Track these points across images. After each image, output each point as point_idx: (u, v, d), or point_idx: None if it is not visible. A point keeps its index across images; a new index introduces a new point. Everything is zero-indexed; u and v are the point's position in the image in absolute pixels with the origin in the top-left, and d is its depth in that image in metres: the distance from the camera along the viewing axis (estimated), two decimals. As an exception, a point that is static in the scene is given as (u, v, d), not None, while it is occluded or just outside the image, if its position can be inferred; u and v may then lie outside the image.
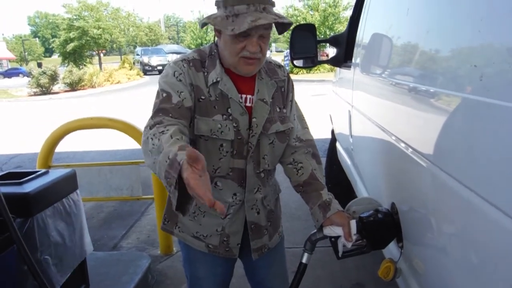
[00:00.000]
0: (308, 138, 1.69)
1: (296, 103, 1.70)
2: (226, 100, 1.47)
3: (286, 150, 1.63)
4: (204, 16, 1.47)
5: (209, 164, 1.49)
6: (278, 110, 1.57)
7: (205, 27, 1.55)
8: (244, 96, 1.50)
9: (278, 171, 1.69)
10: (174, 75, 1.45)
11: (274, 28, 1.46)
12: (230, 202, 1.56)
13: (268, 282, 1.79)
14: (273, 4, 1.40)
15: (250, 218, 1.60)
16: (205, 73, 1.48)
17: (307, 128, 1.72)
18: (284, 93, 1.61)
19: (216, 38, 1.50)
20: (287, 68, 1.83)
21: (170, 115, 1.36)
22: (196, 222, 1.61)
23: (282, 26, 1.44)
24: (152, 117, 1.37)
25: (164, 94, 1.42)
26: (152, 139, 1.24)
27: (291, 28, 1.68)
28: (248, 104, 1.51)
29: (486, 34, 0.98)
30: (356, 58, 2.69)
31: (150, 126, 1.32)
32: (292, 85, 1.66)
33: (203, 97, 1.46)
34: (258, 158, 1.54)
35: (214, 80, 1.46)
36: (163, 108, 1.38)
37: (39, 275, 1.73)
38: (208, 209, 1.57)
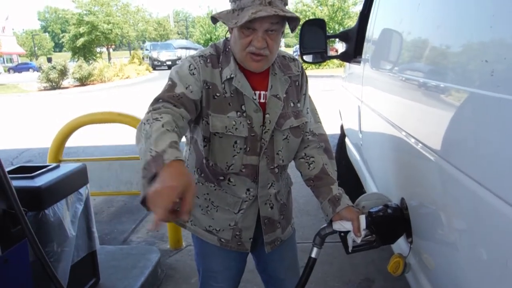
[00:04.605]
0: (321, 132, 1.68)
1: (309, 96, 1.69)
2: (240, 97, 1.47)
3: (299, 144, 1.63)
4: (214, 11, 1.47)
5: (222, 161, 1.50)
6: (292, 105, 1.56)
7: (215, 23, 1.55)
8: (257, 92, 1.50)
9: (289, 164, 1.68)
10: (189, 68, 1.44)
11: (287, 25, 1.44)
12: (243, 198, 1.56)
13: (280, 275, 1.79)
14: None
15: (264, 213, 1.60)
16: (220, 69, 1.47)
17: (320, 122, 1.72)
18: (298, 87, 1.61)
19: (229, 34, 1.50)
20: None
21: (170, 102, 1.34)
22: (209, 216, 1.61)
23: (292, 23, 1.42)
24: (151, 104, 1.36)
25: (170, 83, 1.42)
26: (144, 124, 1.23)
27: (300, 23, 1.68)
28: (261, 100, 1.51)
29: (498, 29, 0.97)
30: (366, 54, 2.68)
31: (147, 112, 1.30)
32: (306, 78, 1.66)
33: (218, 94, 1.46)
34: (272, 154, 1.54)
35: (228, 76, 1.46)
36: (163, 96, 1.37)
37: (49, 267, 1.76)
38: (221, 204, 1.58)
